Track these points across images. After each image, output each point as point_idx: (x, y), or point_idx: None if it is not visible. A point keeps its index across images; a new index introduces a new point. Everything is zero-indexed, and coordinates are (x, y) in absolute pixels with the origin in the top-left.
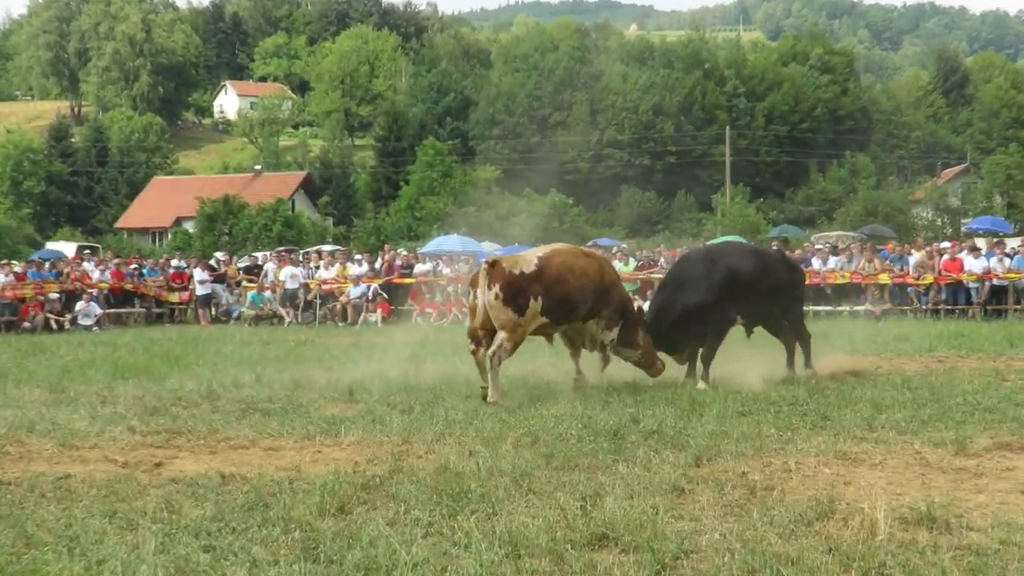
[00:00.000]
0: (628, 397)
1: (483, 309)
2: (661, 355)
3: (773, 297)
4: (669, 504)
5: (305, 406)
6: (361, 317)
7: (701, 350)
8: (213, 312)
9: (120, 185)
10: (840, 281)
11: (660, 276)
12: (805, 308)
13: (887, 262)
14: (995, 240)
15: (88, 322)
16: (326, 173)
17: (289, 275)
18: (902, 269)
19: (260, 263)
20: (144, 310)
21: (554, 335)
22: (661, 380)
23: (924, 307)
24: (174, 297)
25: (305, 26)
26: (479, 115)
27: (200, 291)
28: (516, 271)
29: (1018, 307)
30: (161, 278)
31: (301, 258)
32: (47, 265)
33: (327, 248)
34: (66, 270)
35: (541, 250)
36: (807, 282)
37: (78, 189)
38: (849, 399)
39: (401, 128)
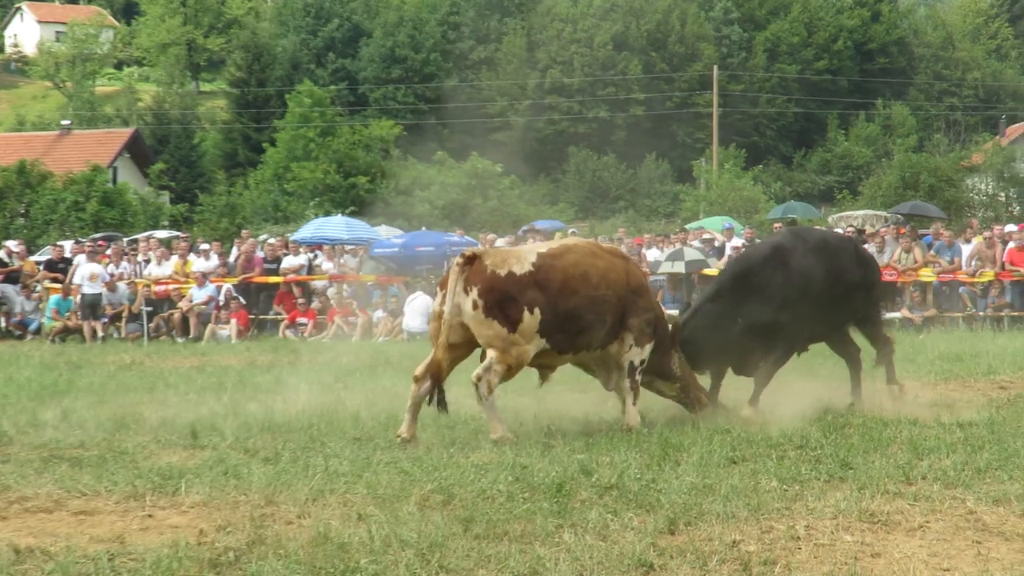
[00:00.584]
0: (576, 439)
1: (453, 321)
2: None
3: (848, 302)
4: None
5: (131, 453)
6: (208, 330)
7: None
8: (3, 323)
9: None
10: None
11: None
12: None
13: (932, 252)
14: None
15: None
16: (161, 131)
17: (87, 276)
18: (952, 262)
19: (68, 256)
20: None
21: (550, 375)
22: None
23: (982, 313)
24: None
25: None
26: (373, 50)
27: None
28: (502, 271)
29: None
30: None
31: (126, 249)
32: None
33: (161, 235)
34: None
35: (544, 246)
36: None
37: None
38: (879, 440)
39: (265, 68)
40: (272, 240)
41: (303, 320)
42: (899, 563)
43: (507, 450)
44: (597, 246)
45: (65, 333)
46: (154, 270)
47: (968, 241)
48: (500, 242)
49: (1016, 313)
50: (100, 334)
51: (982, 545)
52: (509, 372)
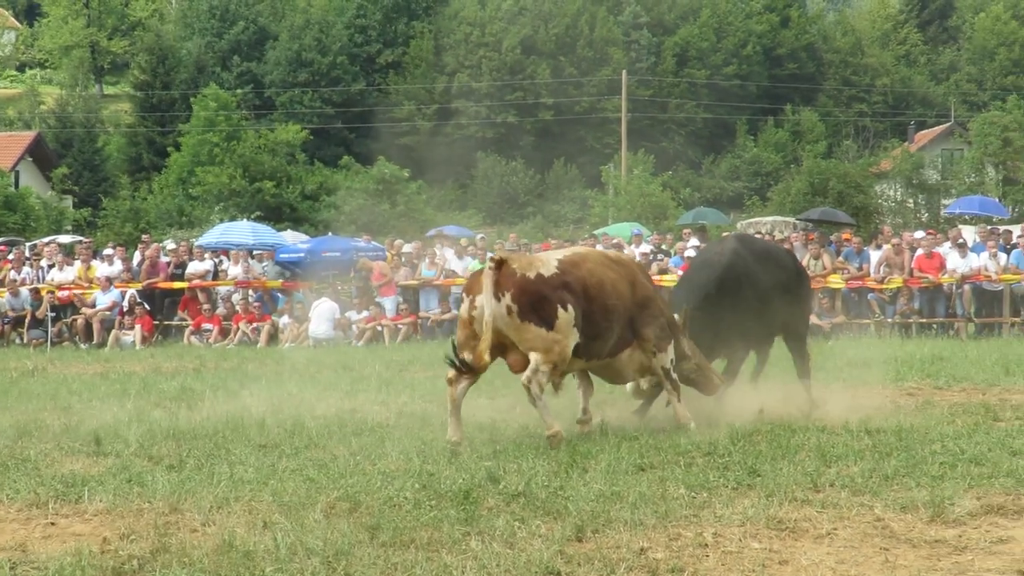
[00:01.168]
0: (484, 446)
1: (490, 325)
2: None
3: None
4: None
5: (33, 460)
6: (112, 336)
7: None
8: None
9: None
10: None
11: None
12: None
13: (840, 259)
14: (987, 228)
15: None
16: (64, 134)
17: None
18: (861, 268)
19: None
20: None
21: (561, 381)
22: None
23: (891, 320)
24: None
25: None
26: (279, 54)
27: None
28: (531, 274)
29: (1017, 319)
30: None
31: (28, 254)
32: None
33: (64, 240)
34: None
35: (559, 253)
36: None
37: None
38: (787, 447)
39: (170, 71)
40: (171, 244)
41: (208, 326)
42: (807, 570)
43: (414, 457)
44: (606, 255)
45: None
46: (57, 275)
47: (879, 247)
48: (408, 248)
49: (924, 320)
50: None
51: (889, 552)
52: (555, 370)
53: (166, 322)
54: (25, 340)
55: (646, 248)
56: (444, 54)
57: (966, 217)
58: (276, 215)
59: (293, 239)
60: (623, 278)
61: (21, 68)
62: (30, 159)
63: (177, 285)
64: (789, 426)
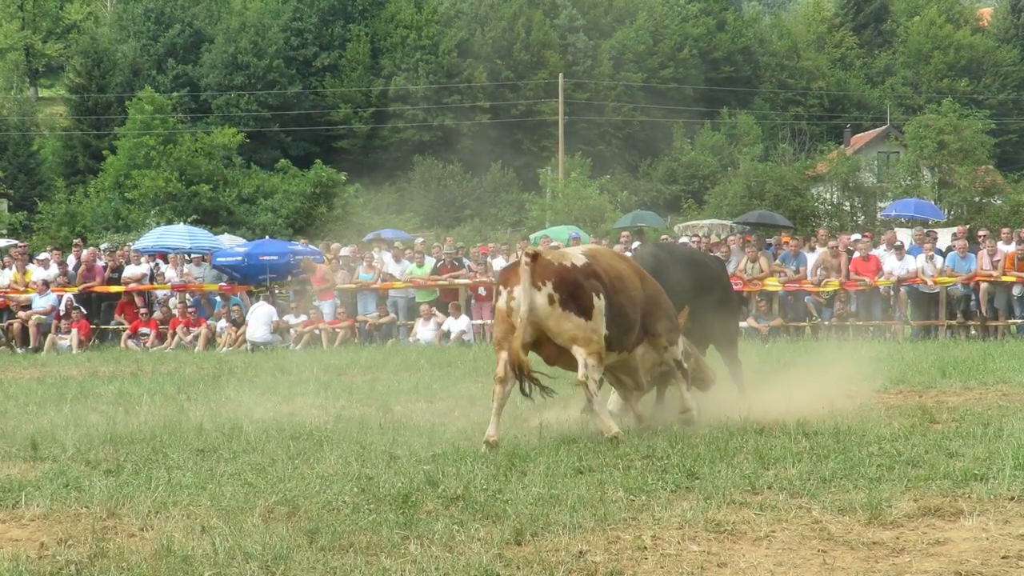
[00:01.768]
0: (423, 449)
1: (528, 318)
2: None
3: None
4: None
5: None
6: (48, 340)
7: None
8: None
9: None
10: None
11: (467, 282)
12: None
13: (778, 262)
14: (922, 231)
15: None
16: None
17: None
18: (797, 271)
19: None
20: None
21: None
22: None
23: (827, 323)
24: None
25: None
26: (215, 57)
27: None
28: (567, 263)
29: (952, 322)
30: None
31: None
32: None
33: None
34: None
35: (578, 249)
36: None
37: None
38: (725, 450)
39: (105, 74)
40: (104, 245)
41: (145, 330)
42: (745, 573)
43: (352, 461)
44: (613, 251)
45: None
46: None
47: (812, 249)
48: (345, 251)
49: (860, 323)
50: None
51: (827, 554)
52: (599, 362)
53: (103, 326)
54: None
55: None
56: (381, 57)
57: (902, 220)
58: (213, 219)
59: (230, 243)
60: (634, 271)
61: None
62: None
63: (114, 289)
64: (727, 428)
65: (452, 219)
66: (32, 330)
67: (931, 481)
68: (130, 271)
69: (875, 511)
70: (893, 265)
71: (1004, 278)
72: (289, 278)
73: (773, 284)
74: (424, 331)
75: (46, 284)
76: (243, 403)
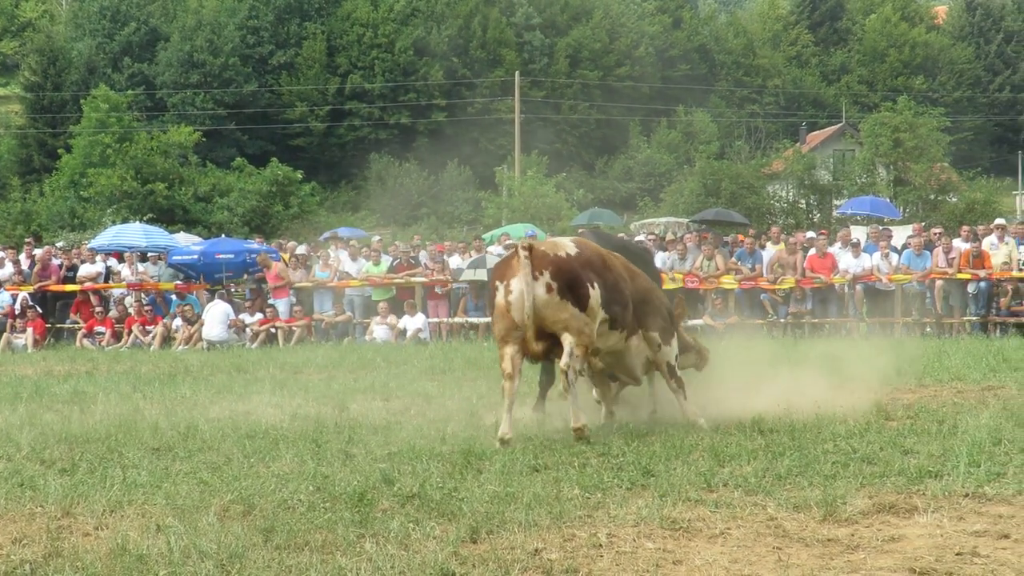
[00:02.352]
0: (379, 448)
1: (528, 310)
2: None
3: None
4: None
5: None
6: (3, 340)
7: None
8: None
9: None
10: (670, 285)
11: (423, 281)
12: None
13: (733, 260)
14: (878, 229)
15: None
16: None
17: None
18: (753, 269)
19: None
20: None
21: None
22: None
23: (783, 320)
24: None
25: None
26: (171, 55)
27: None
28: (563, 253)
29: (908, 320)
30: None
31: None
32: None
33: None
34: None
35: (567, 238)
36: None
37: None
38: (680, 447)
39: (61, 72)
40: (60, 244)
41: (101, 329)
42: (700, 570)
43: (308, 459)
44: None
45: None
46: None
47: (762, 247)
48: (301, 249)
49: (816, 320)
50: None
51: (783, 551)
52: (585, 353)
53: (58, 325)
54: None
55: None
56: (337, 55)
57: (858, 218)
58: (169, 217)
59: (186, 241)
60: (622, 264)
61: None
62: None
63: (69, 288)
64: (682, 426)
65: (408, 217)
66: None
67: (886, 478)
68: (85, 270)
69: (830, 508)
70: (849, 263)
71: (959, 275)
72: (245, 276)
73: (729, 282)
74: (380, 329)
75: (0, 283)
76: (199, 402)
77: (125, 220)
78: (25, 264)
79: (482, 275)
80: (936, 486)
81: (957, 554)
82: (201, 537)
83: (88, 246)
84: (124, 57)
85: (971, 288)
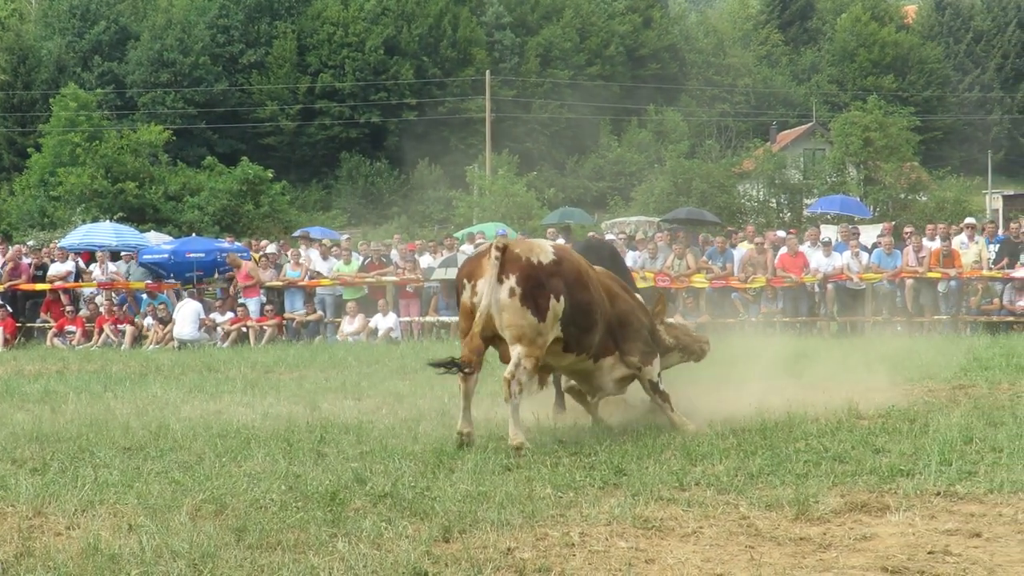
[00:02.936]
0: (351, 447)
1: (487, 312)
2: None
3: None
4: None
5: None
6: None
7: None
8: None
9: None
10: (641, 285)
11: (394, 280)
12: None
13: (704, 259)
14: (848, 228)
15: None
16: None
17: None
18: (724, 267)
19: None
20: None
21: (548, 377)
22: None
23: (754, 319)
24: None
25: None
26: (141, 54)
27: None
28: (535, 259)
29: (878, 318)
30: None
31: None
32: None
33: None
34: None
35: (548, 243)
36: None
37: None
38: (653, 447)
39: (31, 71)
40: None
41: (71, 328)
42: (673, 569)
43: (280, 459)
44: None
45: None
46: None
47: (733, 246)
48: (270, 248)
49: (787, 319)
50: None
51: (755, 550)
52: (534, 368)
53: (28, 324)
54: None
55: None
56: (307, 54)
57: (828, 216)
58: (139, 216)
59: (156, 240)
60: (611, 278)
61: None
62: None
63: (39, 287)
64: (654, 425)
65: (379, 216)
66: None
67: (857, 477)
68: (55, 269)
69: (802, 507)
70: (820, 262)
71: (929, 274)
72: (216, 275)
73: (700, 281)
74: (351, 328)
75: None
76: (170, 401)
77: (95, 219)
78: None
79: (453, 274)
80: (908, 485)
81: (929, 552)
82: (173, 536)
83: (58, 245)
84: (94, 56)
85: (941, 287)
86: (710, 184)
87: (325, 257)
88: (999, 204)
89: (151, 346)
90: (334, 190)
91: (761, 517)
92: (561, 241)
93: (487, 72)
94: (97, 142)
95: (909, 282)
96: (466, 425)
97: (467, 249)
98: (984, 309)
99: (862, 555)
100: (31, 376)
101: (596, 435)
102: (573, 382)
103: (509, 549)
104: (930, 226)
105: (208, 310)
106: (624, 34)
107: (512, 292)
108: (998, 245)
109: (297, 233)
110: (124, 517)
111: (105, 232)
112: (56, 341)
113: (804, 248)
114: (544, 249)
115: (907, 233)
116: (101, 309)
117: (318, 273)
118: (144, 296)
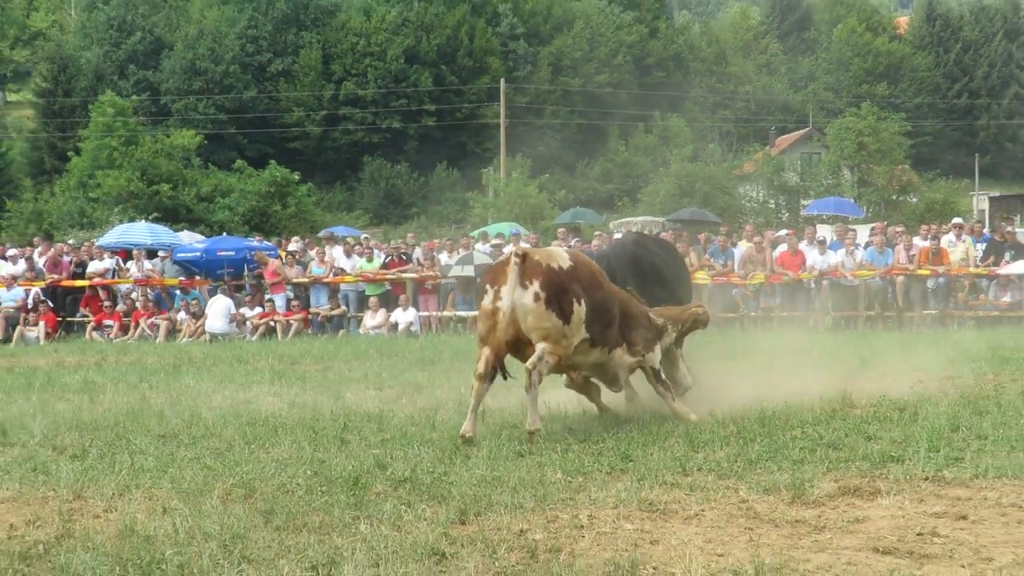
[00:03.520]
0: (372, 434)
1: (510, 316)
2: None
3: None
4: (425, 572)
5: None
6: (17, 332)
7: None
8: None
9: None
10: None
11: (414, 276)
12: None
13: (706, 256)
14: (843, 227)
15: None
16: None
17: None
18: (725, 265)
19: None
20: None
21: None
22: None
23: (753, 314)
24: None
25: None
26: (175, 63)
27: None
28: (555, 265)
29: (870, 313)
30: None
31: None
32: None
33: None
34: None
35: (562, 248)
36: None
37: None
38: (657, 434)
39: (71, 79)
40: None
41: (109, 322)
42: (676, 549)
43: (305, 445)
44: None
45: None
46: None
47: (734, 245)
48: (292, 246)
49: (785, 313)
50: None
51: (753, 531)
52: (558, 363)
53: (69, 319)
54: None
55: (525, 246)
56: (332, 63)
57: (823, 217)
58: (173, 216)
59: (189, 239)
60: (606, 277)
61: None
62: None
63: (79, 283)
64: (658, 414)
65: (399, 216)
66: (1, 322)
67: (851, 463)
68: (94, 266)
69: (798, 491)
70: (815, 259)
71: (919, 272)
72: (246, 272)
73: (703, 278)
74: (373, 322)
75: (13, 279)
76: (202, 391)
77: (132, 219)
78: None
79: (469, 271)
80: (898, 470)
81: (918, 534)
82: (205, 519)
83: (97, 244)
84: (130, 65)
85: (930, 283)
86: (712, 186)
87: (348, 255)
88: (985, 205)
89: (184, 339)
90: (357, 192)
91: (759, 501)
92: (575, 242)
93: (502, 80)
94: (133, 146)
95: (900, 279)
96: (470, 428)
97: (482, 247)
98: (971, 304)
99: (855, 536)
100: (71, 367)
101: (604, 423)
102: (572, 378)
103: (522, 531)
104: (924, 227)
105: (238, 305)
106: (631, 44)
107: (537, 297)
108: (984, 244)
109: (322, 233)
110: (159, 501)
111: (141, 231)
112: (95, 335)
113: (801, 246)
114: (561, 256)
115: (898, 232)
116: (137, 304)
117: (342, 270)
118: (178, 292)
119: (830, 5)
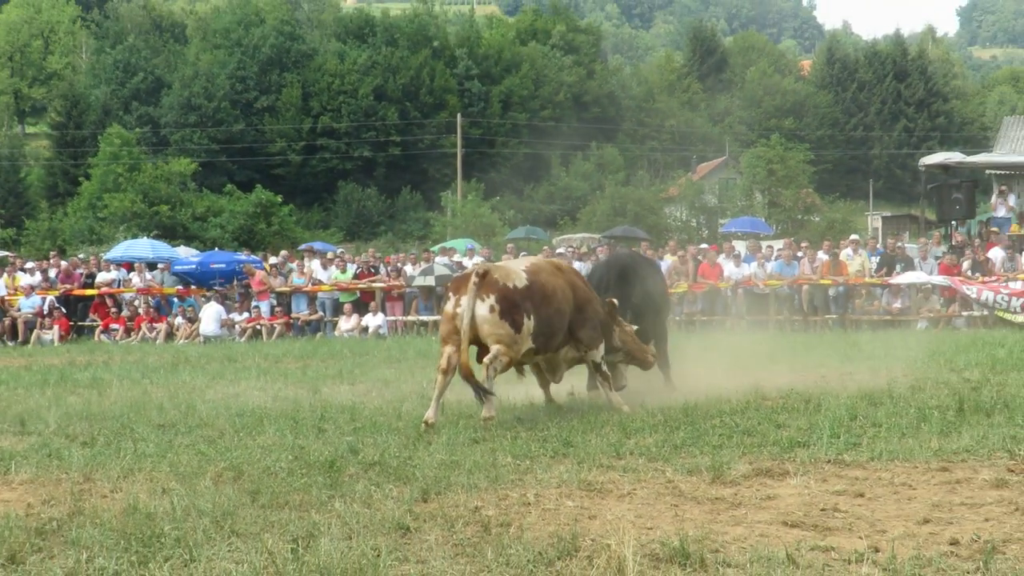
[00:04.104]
0: (346, 423)
1: (469, 322)
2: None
3: None
4: (392, 545)
5: None
6: (34, 335)
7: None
8: None
9: None
10: None
11: (382, 286)
12: None
13: None
14: (755, 243)
15: None
16: None
17: None
18: None
19: None
20: None
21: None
22: (390, 398)
23: (677, 319)
24: None
25: None
26: (173, 99)
27: None
28: (511, 284)
29: (779, 318)
30: None
31: None
32: None
33: None
34: None
35: (523, 263)
36: None
37: None
38: (594, 422)
39: (82, 114)
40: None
41: (115, 326)
42: (611, 524)
43: (287, 433)
44: (553, 264)
45: None
46: None
47: (661, 258)
48: (273, 259)
49: (705, 318)
50: None
51: (679, 508)
52: (508, 364)
53: (80, 323)
54: None
55: (478, 259)
56: (310, 100)
57: (738, 234)
58: (171, 233)
59: (186, 253)
60: (568, 284)
61: None
62: None
63: (89, 292)
64: (596, 405)
65: (369, 233)
66: (20, 326)
67: (763, 447)
68: (102, 277)
69: (717, 472)
70: (731, 271)
71: (822, 281)
72: (235, 282)
73: None
74: (347, 326)
75: (31, 288)
76: (197, 386)
77: (135, 236)
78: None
79: (431, 281)
80: (804, 454)
81: (822, 509)
82: (199, 498)
83: (104, 257)
84: (133, 101)
85: (832, 292)
86: (642, 207)
87: (325, 267)
88: (879, 224)
89: (181, 341)
90: (332, 212)
91: (684, 481)
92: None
93: (458, 115)
94: (136, 172)
95: (805, 288)
96: (432, 416)
97: (441, 260)
98: (867, 310)
99: (767, 512)
100: (81, 366)
101: (548, 413)
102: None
103: (476, 508)
104: (826, 243)
105: (228, 311)
106: (571, 84)
107: (492, 309)
108: (878, 257)
109: (302, 247)
110: (159, 482)
111: (143, 247)
112: (102, 337)
113: (720, 259)
114: (519, 275)
115: (803, 247)
116: (140, 311)
117: (319, 280)
118: (175, 300)
119: (744, 50)
